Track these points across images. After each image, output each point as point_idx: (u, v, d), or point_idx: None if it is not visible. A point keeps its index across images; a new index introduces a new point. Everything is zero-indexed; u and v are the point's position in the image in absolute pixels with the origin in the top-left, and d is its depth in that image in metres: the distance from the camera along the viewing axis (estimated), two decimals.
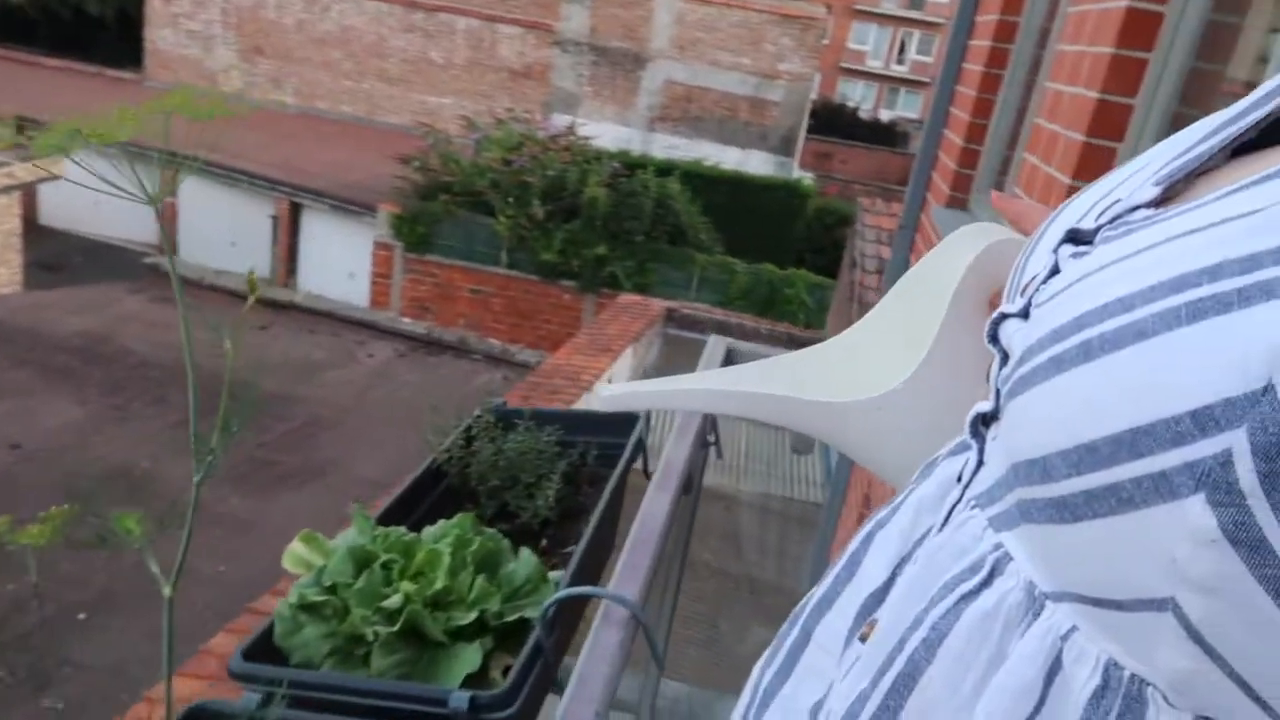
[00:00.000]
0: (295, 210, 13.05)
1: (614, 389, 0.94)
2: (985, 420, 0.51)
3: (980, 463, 0.52)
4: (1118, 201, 0.48)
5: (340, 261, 12.66)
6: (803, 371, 0.98)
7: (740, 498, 8.86)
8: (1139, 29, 2.10)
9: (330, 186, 12.77)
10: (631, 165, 12.36)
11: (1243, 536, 0.33)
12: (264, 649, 0.77)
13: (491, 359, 10.09)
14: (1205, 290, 0.35)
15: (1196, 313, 0.35)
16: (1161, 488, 0.35)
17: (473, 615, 0.77)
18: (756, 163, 17.15)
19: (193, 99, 0.44)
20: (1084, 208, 0.51)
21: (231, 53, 18.09)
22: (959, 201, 3.88)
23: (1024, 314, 0.48)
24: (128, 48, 18.33)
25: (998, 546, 0.47)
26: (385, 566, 0.81)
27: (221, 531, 5.93)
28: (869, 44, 35.96)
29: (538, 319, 11.94)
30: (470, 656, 0.75)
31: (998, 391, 0.49)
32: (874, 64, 36.05)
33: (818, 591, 0.63)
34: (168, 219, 14.61)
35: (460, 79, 17.77)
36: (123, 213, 14.28)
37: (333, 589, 0.79)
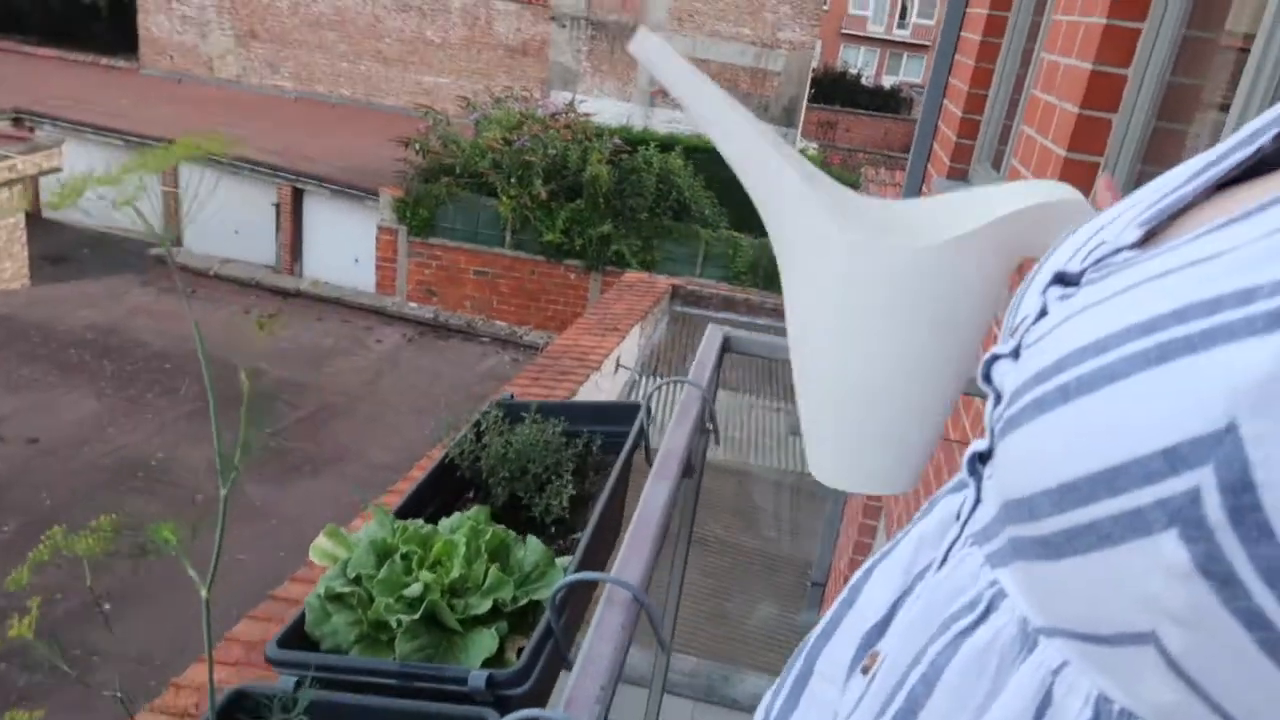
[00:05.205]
0: (298, 196, 13.08)
1: (644, 41, 0.72)
2: (982, 459, 0.52)
3: (978, 500, 0.53)
4: (1103, 244, 0.49)
5: (345, 247, 12.70)
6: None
7: (752, 472, 8.92)
8: None
9: (331, 171, 12.78)
10: (633, 141, 12.28)
11: (1214, 569, 0.34)
12: (296, 637, 0.83)
13: (499, 341, 10.13)
14: (1173, 333, 0.36)
15: (1164, 355, 0.36)
16: (1137, 524, 0.36)
17: (488, 603, 0.82)
18: None
19: (197, 143, 0.48)
20: (1072, 249, 0.52)
21: (227, 37, 18.03)
22: (959, 172, 3.89)
23: (1015, 354, 0.49)
24: (121, 35, 18.17)
25: (993, 583, 0.48)
26: (405, 558, 0.86)
27: (238, 520, 6.03)
28: (869, 9, 35.60)
29: (544, 299, 11.94)
30: (487, 641, 0.80)
31: (991, 431, 0.50)
32: (875, 29, 35.71)
33: (820, 623, 0.64)
34: (171, 210, 14.66)
35: (457, 58, 17.68)
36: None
37: (357, 580, 0.84)
